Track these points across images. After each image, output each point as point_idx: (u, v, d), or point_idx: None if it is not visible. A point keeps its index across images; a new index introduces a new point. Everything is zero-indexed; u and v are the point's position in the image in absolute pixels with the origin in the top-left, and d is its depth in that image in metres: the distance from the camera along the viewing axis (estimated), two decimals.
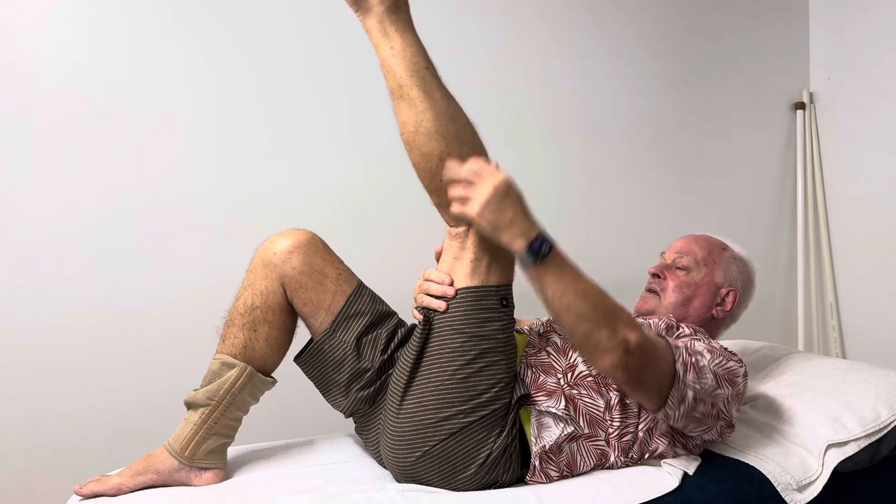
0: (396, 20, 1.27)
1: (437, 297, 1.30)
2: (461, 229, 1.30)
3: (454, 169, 1.21)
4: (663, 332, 1.40)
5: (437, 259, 1.41)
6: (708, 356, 1.30)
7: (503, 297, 1.32)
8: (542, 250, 1.17)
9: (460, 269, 1.30)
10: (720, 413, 1.32)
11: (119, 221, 1.92)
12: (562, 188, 2.41)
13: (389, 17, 1.26)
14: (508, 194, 1.18)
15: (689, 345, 1.32)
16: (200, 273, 1.99)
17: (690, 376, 1.26)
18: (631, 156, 2.51)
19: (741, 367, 1.34)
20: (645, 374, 1.22)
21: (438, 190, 1.27)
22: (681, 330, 1.41)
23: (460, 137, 1.25)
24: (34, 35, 1.84)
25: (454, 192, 1.21)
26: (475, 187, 1.18)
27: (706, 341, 1.36)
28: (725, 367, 1.31)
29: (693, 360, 1.27)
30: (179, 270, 1.98)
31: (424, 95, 1.24)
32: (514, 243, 1.18)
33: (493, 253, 1.29)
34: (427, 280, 1.33)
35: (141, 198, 1.94)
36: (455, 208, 1.22)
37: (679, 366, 1.26)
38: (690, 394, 1.27)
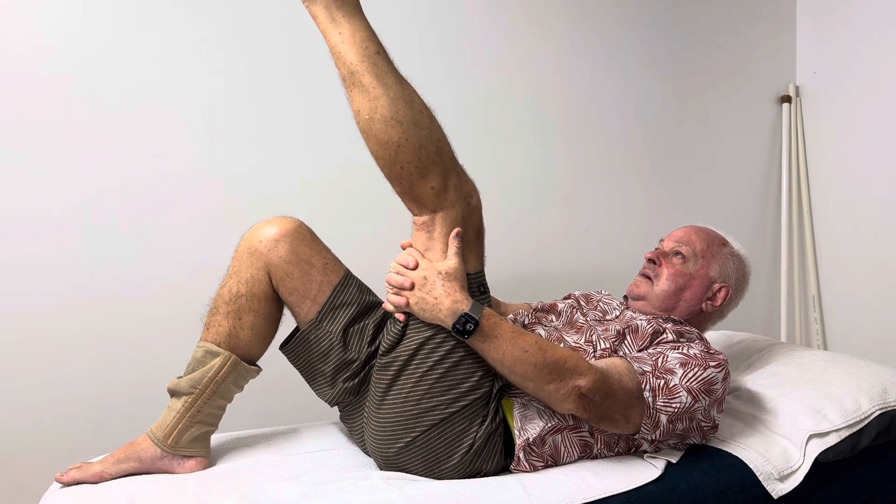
0: (343, 5, 1.23)
1: (398, 290, 1.29)
2: (426, 217, 1.28)
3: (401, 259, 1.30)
4: (648, 341, 1.40)
5: None
6: (680, 371, 1.30)
7: (480, 284, 1.33)
8: (466, 328, 1.23)
9: (432, 260, 1.29)
10: (700, 423, 1.34)
11: (105, 206, 1.90)
12: (547, 180, 2.41)
13: (335, 1, 1.23)
14: (428, 281, 1.25)
15: (659, 363, 1.32)
16: (186, 259, 1.97)
17: (661, 401, 1.28)
18: (616, 148, 2.51)
19: (720, 370, 1.33)
20: (607, 408, 1.25)
21: (399, 178, 1.25)
22: (664, 336, 1.40)
23: (417, 122, 1.22)
24: (20, 17, 1.81)
25: (392, 280, 1.29)
26: (404, 279, 1.27)
27: (685, 349, 1.35)
28: (701, 377, 1.30)
29: (662, 382, 1.29)
30: (165, 256, 1.96)
31: (377, 81, 1.21)
32: (443, 324, 1.25)
33: (463, 241, 1.29)
34: (392, 267, 1.32)
35: (127, 182, 1.92)
36: (389, 298, 1.30)
37: (647, 393, 1.28)
38: (664, 418, 1.29)
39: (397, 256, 1.31)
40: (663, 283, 1.54)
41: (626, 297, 1.62)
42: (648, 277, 1.57)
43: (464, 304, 1.24)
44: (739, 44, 2.68)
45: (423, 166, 1.23)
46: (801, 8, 2.75)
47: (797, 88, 2.75)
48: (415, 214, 1.30)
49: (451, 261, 1.27)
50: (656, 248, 1.62)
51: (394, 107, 1.21)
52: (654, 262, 1.58)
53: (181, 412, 1.33)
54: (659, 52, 2.56)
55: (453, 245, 1.27)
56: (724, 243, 1.60)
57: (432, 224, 1.28)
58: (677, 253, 1.56)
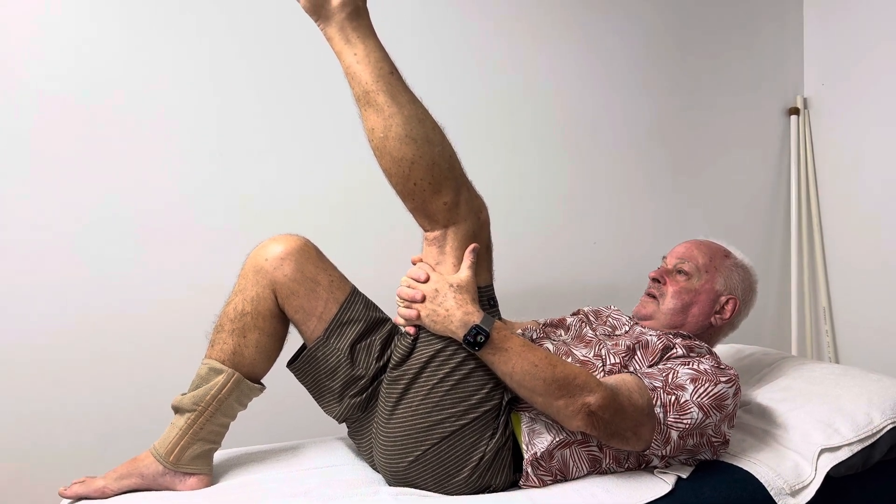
0: (358, 26, 1.25)
1: (409, 303, 1.29)
2: (437, 232, 1.29)
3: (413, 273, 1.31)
4: (658, 357, 1.39)
5: None
6: (691, 387, 1.29)
7: (489, 297, 1.34)
8: (477, 340, 1.23)
9: (443, 274, 1.30)
10: (711, 439, 1.33)
11: (112, 223, 1.91)
12: (554, 193, 2.40)
13: (351, 23, 1.25)
14: (440, 293, 1.26)
15: (670, 379, 1.31)
16: (192, 276, 1.98)
17: (671, 417, 1.27)
18: (624, 160, 2.50)
19: (731, 385, 1.32)
20: (617, 426, 1.25)
21: (412, 194, 1.26)
22: (674, 350, 1.40)
23: (430, 139, 1.25)
24: (29, 37, 1.83)
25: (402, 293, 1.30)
26: (416, 292, 1.28)
27: (695, 364, 1.35)
28: (712, 393, 1.30)
29: (673, 398, 1.28)
30: (171, 273, 1.96)
31: (391, 100, 1.23)
32: (454, 336, 1.26)
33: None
34: (403, 281, 1.32)
35: (134, 200, 1.93)
36: (399, 311, 1.30)
37: (658, 409, 1.27)
38: (674, 434, 1.28)
39: (408, 270, 1.32)
40: (669, 302, 1.53)
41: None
42: (654, 297, 1.56)
43: (475, 316, 1.24)
44: (747, 55, 2.68)
45: (436, 182, 1.25)
46: (809, 19, 2.75)
47: (805, 100, 2.74)
48: (426, 230, 1.31)
49: (464, 273, 1.27)
50: (659, 267, 1.61)
51: (408, 125, 1.23)
52: (659, 281, 1.57)
53: (184, 429, 1.33)
54: (666, 63, 2.56)
55: (468, 258, 1.28)
56: (727, 255, 1.59)
57: (444, 239, 1.29)
58: (680, 270, 1.56)
